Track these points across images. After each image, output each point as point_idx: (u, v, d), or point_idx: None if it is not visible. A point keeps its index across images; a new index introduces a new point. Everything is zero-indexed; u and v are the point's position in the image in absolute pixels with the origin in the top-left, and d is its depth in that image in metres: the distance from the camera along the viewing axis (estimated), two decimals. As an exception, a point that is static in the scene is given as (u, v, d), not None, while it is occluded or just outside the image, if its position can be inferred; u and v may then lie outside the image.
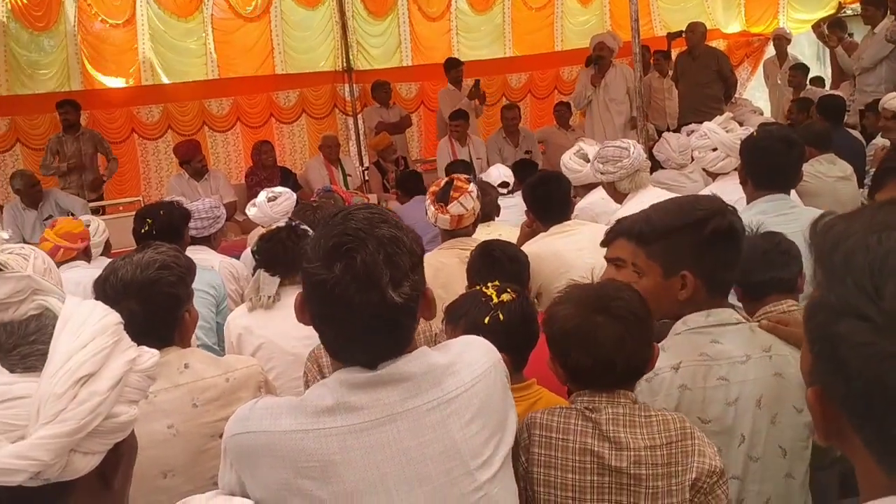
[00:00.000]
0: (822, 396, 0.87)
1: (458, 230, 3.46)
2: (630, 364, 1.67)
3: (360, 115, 9.91)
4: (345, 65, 9.95)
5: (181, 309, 2.03)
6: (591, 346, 1.64)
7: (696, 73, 8.35)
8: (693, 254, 1.90)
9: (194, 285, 3.24)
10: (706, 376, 1.84)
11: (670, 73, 9.17)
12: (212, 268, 3.70)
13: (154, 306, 1.94)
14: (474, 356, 1.46)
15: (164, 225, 3.68)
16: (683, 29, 9.33)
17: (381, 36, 10.23)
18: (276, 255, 2.88)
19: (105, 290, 1.94)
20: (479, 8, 10.72)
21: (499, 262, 2.75)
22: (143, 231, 3.68)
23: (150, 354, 1.05)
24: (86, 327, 0.97)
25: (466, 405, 1.39)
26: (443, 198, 3.42)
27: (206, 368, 1.97)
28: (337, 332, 1.39)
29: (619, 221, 2.13)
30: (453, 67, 9.00)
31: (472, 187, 3.43)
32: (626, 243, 2.03)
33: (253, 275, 2.95)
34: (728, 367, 1.86)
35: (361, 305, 1.31)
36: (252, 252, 3.04)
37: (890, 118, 5.48)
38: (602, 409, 1.64)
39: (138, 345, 1.08)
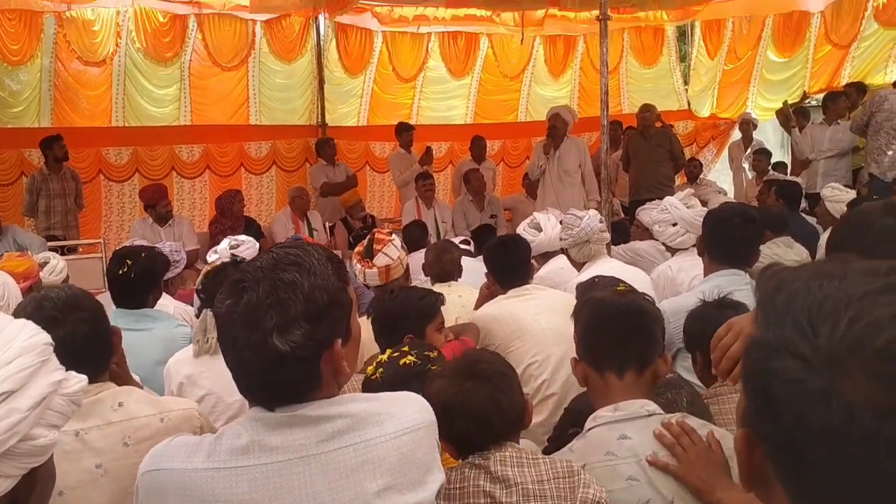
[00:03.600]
0: (750, 439, 0.88)
1: (390, 284, 3.33)
2: (506, 419, 1.78)
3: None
4: (320, 119, 10.03)
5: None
6: (468, 410, 1.75)
7: (649, 153, 8.60)
8: (577, 340, 2.01)
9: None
10: (612, 478, 1.75)
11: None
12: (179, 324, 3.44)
13: (93, 328, 1.90)
14: (405, 411, 1.42)
15: (144, 269, 3.38)
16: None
17: (351, 93, 10.34)
18: None
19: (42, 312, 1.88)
20: (457, 74, 10.93)
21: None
22: (119, 272, 3.34)
23: (77, 379, 1.03)
24: (13, 344, 0.95)
25: (384, 456, 1.35)
26: (368, 253, 3.33)
27: (141, 407, 1.92)
28: (230, 366, 1.38)
29: None
30: (404, 131, 9.15)
31: (394, 237, 3.38)
32: None
33: (198, 316, 2.80)
34: (636, 465, 1.77)
35: (245, 346, 1.31)
36: (196, 291, 2.89)
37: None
38: (490, 457, 1.72)
39: (76, 370, 1.05)
